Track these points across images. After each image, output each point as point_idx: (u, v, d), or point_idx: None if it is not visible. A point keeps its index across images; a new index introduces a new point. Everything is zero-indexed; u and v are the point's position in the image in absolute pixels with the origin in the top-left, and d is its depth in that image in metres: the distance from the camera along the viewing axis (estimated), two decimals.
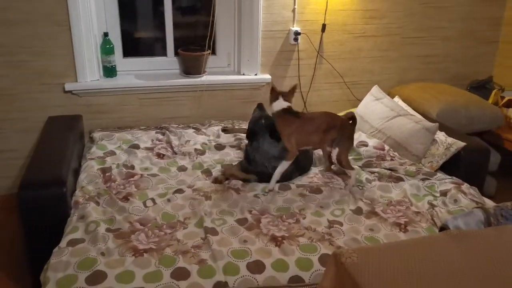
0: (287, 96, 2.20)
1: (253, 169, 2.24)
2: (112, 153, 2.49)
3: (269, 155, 2.22)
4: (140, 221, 1.89)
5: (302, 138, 2.18)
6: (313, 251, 1.73)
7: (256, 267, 1.64)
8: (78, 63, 2.73)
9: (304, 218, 1.96)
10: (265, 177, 2.22)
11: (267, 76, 3.08)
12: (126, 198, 2.06)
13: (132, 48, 3.08)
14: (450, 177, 2.28)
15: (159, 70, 3.05)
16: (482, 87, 3.32)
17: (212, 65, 3.09)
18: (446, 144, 2.44)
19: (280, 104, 2.17)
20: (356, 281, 1.04)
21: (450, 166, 2.42)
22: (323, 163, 2.42)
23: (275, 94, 2.19)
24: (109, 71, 2.87)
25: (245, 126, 2.83)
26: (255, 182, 2.23)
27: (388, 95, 2.98)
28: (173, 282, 1.56)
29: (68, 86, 2.76)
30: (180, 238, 1.79)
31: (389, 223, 1.94)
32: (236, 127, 2.82)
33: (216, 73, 3.06)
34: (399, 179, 2.29)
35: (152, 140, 2.67)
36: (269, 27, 3.01)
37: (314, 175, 2.35)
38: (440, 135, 2.51)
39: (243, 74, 3.06)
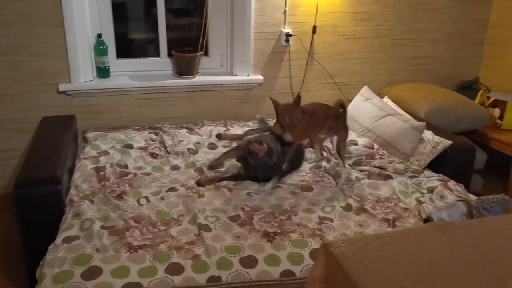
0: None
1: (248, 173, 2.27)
2: (106, 152, 2.52)
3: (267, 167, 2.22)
4: (135, 219, 1.93)
5: (303, 132, 2.19)
6: (304, 246, 1.78)
7: (249, 262, 1.68)
8: (72, 64, 2.76)
9: (295, 214, 2.01)
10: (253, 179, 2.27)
11: (259, 77, 3.13)
12: (120, 197, 2.09)
13: (126, 49, 3.11)
14: (437, 174, 2.34)
15: (152, 71, 3.09)
16: (469, 88, 3.39)
17: (205, 66, 3.13)
18: (433, 142, 2.51)
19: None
20: (344, 270, 1.09)
21: (438, 164, 2.48)
22: (315, 155, 2.47)
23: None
24: (103, 72, 2.91)
25: (237, 128, 2.88)
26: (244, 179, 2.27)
27: (378, 95, 3.04)
28: (167, 277, 1.60)
29: (62, 87, 2.79)
30: (174, 235, 1.82)
31: (378, 219, 1.99)
32: (231, 132, 2.83)
33: (209, 74, 3.10)
34: (388, 177, 2.35)
35: (146, 140, 2.70)
36: (261, 29, 3.06)
37: (306, 173, 2.40)
38: (428, 134, 2.57)
39: (236, 75, 3.11)
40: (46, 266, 1.61)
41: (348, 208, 2.08)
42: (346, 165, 2.40)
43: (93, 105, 2.91)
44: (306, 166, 2.47)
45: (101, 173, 2.29)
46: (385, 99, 3.03)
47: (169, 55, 3.09)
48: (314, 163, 2.48)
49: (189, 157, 2.53)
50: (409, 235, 1.23)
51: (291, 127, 2.07)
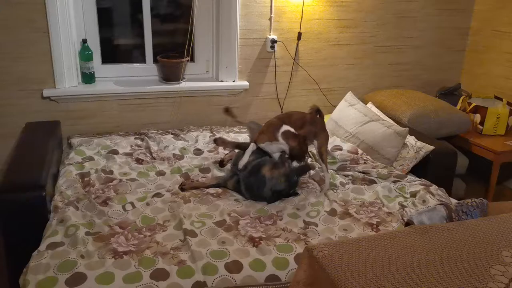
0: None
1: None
2: (91, 158, 2.51)
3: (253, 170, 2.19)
4: (120, 225, 1.92)
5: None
6: (289, 251, 1.79)
7: (234, 266, 1.69)
8: (57, 69, 2.75)
9: (281, 219, 2.03)
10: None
11: (245, 83, 3.15)
12: (105, 202, 2.08)
13: (111, 55, 3.11)
14: (419, 179, 2.38)
15: (138, 77, 3.09)
16: (450, 94, 3.46)
17: (191, 72, 3.14)
18: (416, 147, 2.55)
19: (284, 128, 2.19)
20: (327, 273, 1.10)
21: (420, 169, 2.53)
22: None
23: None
24: (88, 77, 2.90)
25: (223, 134, 2.88)
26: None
27: (362, 101, 3.09)
28: (152, 283, 1.60)
29: (47, 92, 2.77)
30: (160, 240, 1.82)
31: (362, 223, 2.02)
32: (227, 139, 2.75)
33: (195, 80, 3.11)
34: (371, 182, 2.38)
35: (131, 146, 2.70)
36: (247, 35, 3.08)
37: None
38: (410, 139, 2.62)
39: (221, 81, 3.13)
40: (29, 273, 1.60)
41: (332, 212, 2.10)
42: (329, 170, 2.42)
43: (78, 110, 2.90)
44: None
45: (86, 179, 2.28)
46: (369, 104, 3.08)
47: (155, 61, 3.09)
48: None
49: (175, 162, 2.53)
50: (391, 238, 1.26)
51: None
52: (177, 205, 2.08)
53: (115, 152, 2.60)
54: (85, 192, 2.17)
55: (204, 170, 2.46)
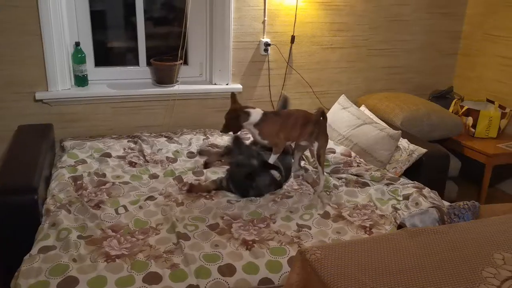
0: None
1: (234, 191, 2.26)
2: (84, 161, 2.50)
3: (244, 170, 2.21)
4: (112, 228, 1.91)
5: (285, 133, 2.24)
6: (283, 254, 1.79)
7: (228, 270, 1.69)
8: (50, 72, 2.74)
9: (274, 222, 2.03)
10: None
11: (239, 86, 3.15)
12: (97, 206, 2.07)
13: (104, 57, 3.10)
14: (412, 182, 2.39)
15: (131, 80, 3.08)
16: (443, 97, 3.49)
17: (184, 75, 3.14)
18: (408, 150, 2.56)
19: (256, 111, 2.20)
20: (320, 276, 1.11)
21: (413, 171, 2.54)
22: (293, 166, 2.50)
23: (245, 114, 2.17)
24: (81, 80, 2.89)
25: (216, 137, 2.88)
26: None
27: (355, 104, 3.10)
28: (145, 286, 1.59)
29: (39, 95, 2.76)
30: (153, 244, 1.82)
31: (355, 226, 2.02)
32: (210, 141, 2.75)
33: (188, 83, 3.11)
34: (365, 184, 2.39)
35: (124, 149, 2.69)
36: (240, 38, 3.09)
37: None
38: (403, 142, 2.63)
39: (215, 84, 3.13)
40: (21, 277, 1.59)
41: (326, 215, 2.11)
42: (325, 172, 2.43)
43: (70, 113, 2.89)
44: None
45: (78, 182, 2.27)
46: (362, 107, 3.09)
47: (148, 63, 3.09)
48: (292, 173, 2.50)
49: (168, 165, 2.53)
50: (383, 241, 1.26)
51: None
52: (170, 208, 2.07)
53: (108, 155, 2.59)
54: (78, 195, 2.16)
55: (197, 173, 2.46)
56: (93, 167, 2.45)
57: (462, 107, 3.30)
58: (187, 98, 3.09)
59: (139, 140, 2.78)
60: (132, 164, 2.52)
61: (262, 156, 2.24)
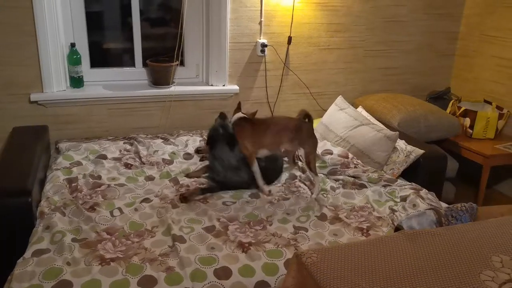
0: (247, 113, 2.33)
1: (215, 177, 2.29)
2: (79, 163, 2.48)
3: (226, 164, 2.26)
4: (107, 231, 1.89)
5: (256, 141, 2.24)
6: (279, 256, 1.78)
7: (223, 273, 1.67)
8: (45, 73, 2.72)
9: (270, 224, 2.01)
10: (225, 187, 2.27)
11: (235, 87, 3.13)
12: (92, 208, 2.05)
13: (100, 58, 3.08)
14: (409, 183, 2.38)
15: (127, 81, 3.06)
16: (440, 98, 3.48)
17: (181, 76, 3.12)
18: (406, 151, 2.55)
19: (238, 115, 2.29)
20: (316, 280, 1.09)
21: (411, 173, 2.53)
22: (289, 163, 2.49)
23: (237, 110, 2.32)
24: (76, 81, 2.87)
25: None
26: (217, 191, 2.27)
27: (352, 105, 3.09)
28: None
29: (34, 97, 2.73)
30: (148, 247, 1.80)
31: (352, 228, 2.01)
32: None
33: (185, 84, 3.09)
34: (362, 186, 2.38)
35: (120, 151, 2.67)
36: (237, 39, 3.07)
37: (282, 184, 2.41)
38: (401, 143, 2.62)
39: (212, 85, 3.11)
40: (14, 281, 1.57)
41: (323, 217, 2.09)
42: (320, 174, 2.42)
43: (66, 115, 2.87)
44: (282, 177, 2.48)
45: (73, 184, 2.25)
46: (359, 109, 3.08)
47: (145, 65, 3.07)
48: (288, 173, 2.49)
49: (164, 167, 2.51)
50: (380, 243, 1.25)
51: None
52: (165, 210, 2.06)
53: (104, 157, 2.57)
54: (73, 197, 2.14)
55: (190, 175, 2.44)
56: (88, 169, 2.43)
57: (459, 108, 3.29)
58: (183, 100, 3.07)
59: (135, 142, 2.76)
60: (128, 166, 2.50)
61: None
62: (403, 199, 2.22)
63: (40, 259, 1.68)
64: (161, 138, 2.85)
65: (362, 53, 3.40)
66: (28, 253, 1.71)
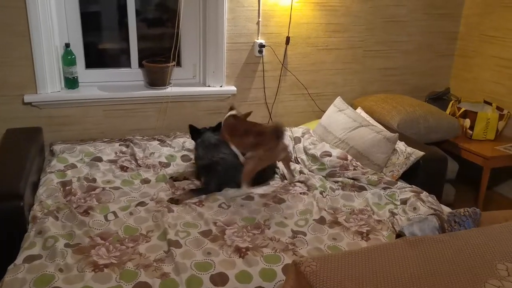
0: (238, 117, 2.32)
1: (200, 162, 2.33)
2: (73, 166, 2.44)
3: (206, 145, 2.35)
4: (101, 235, 1.85)
5: (237, 140, 2.25)
6: (277, 261, 1.74)
7: (220, 279, 1.63)
8: (39, 74, 2.67)
9: (268, 228, 1.97)
10: (210, 169, 2.28)
11: (233, 88, 3.09)
12: (86, 212, 2.01)
13: (96, 59, 3.04)
14: (410, 185, 2.35)
15: (123, 82, 3.02)
16: (440, 99, 3.44)
17: (177, 76, 3.08)
18: (406, 153, 2.51)
19: (229, 113, 2.33)
20: None
21: (410, 174, 2.49)
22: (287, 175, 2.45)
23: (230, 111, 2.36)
24: (71, 82, 2.82)
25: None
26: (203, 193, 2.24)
27: (351, 106, 3.05)
28: None
29: (28, 98, 2.69)
30: (143, 252, 1.76)
31: (351, 232, 1.97)
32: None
33: (181, 85, 3.05)
34: (361, 188, 2.34)
35: (116, 153, 2.63)
36: (234, 39, 3.03)
37: (275, 183, 2.38)
38: (400, 145, 2.58)
39: (209, 86, 3.07)
40: None
41: (321, 221, 2.05)
42: (319, 176, 2.38)
43: (60, 116, 2.82)
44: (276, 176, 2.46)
45: (67, 187, 2.21)
46: (359, 110, 3.04)
47: (141, 65, 3.02)
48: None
49: (160, 170, 2.47)
50: (381, 251, 1.21)
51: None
52: (161, 214, 2.01)
53: (99, 159, 2.53)
54: (66, 201, 2.09)
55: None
56: (83, 171, 2.39)
57: (459, 108, 3.25)
58: (180, 101, 3.03)
59: (131, 144, 2.71)
60: (123, 168, 2.46)
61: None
62: (403, 202, 2.18)
63: (31, 265, 1.63)
64: (158, 140, 2.81)
65: (361, 53, 3.36)
66: (19, 259, 1.67)
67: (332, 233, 1.96)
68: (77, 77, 2.84)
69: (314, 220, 2.05)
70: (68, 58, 2.77)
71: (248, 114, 2.36)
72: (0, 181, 2.00)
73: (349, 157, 2.59)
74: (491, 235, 1.26)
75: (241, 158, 2.27)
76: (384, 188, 2.33)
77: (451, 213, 1.57)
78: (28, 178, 2.09)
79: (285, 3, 3.03)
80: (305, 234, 1.94)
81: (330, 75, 3.35)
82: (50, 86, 2.73)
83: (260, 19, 3.03)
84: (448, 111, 3.30)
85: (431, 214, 1.62)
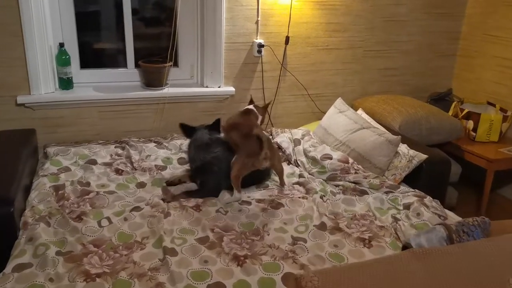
0: (258, 108, 2.37)
1: (193, 165, 2.27)
2: (67, 169, 2.37)
3: (198, 144, 2.26)
4: (94, 243, 1.78)
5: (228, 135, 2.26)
6: (276, 270, 1.67)
7: None
8: (32, 74, 2.61)
9: (268, 234, 1.91)
10: (205, 171, 2.21)
11: (231, 89, 3.03)
12: (79, 218, 1.95)
13: (91, 59, 2.97)
14: (413, 190, 2.28)
15: (118, 82, 2.95)
16: (442, 99, 3.38)
17: (175, 77, 3.02)
18: (408, 156, 2.45)
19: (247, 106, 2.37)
20: None
21: (412, 177, 2.43)
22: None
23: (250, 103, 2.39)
24: (66, 83, 2.76)
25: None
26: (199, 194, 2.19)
27: (352, 107, 2.99)
28: None
29: (21, 99, 2.62)
30: (137, 260, 1.69)
31: (353, 238, 1.91)
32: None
33: (179, 85, 2.99)
34: (363, 192, 2.28)
35: (111, 155, 2.56)
36: (233, 39, 2.97)
37: (273, 188, 2.32)
38: (403, 148, 2.52)
39: (207, 87, 3.00)
40: None
41: (322, 227, 1.99)
42: (320, 179, 2.32)
43: (54, 118, 2.76)
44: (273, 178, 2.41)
45: (60, 192, 2.14)
46: (360, 111, 2.98)
47: (137, 65, 2.96)
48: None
49: (156, 173, 2.40)
50: (387, 264, 1.15)
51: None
52: (157, 220, 1.95)
53: (94, 162, 2.46)
54: (59, 206, 2.03)
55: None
56: (77, 175, 2.33)
57: (462, 110, 3.19)
58: (177, 102, 2.96)
59: (126, 146, 2.65)
60: (118, 171, 2.39)
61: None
62: (406, 207, 2.12)
63: (21, 274, 1.57)
64: (154, 142, 2.75)
65: (361, 53, 3.30)
66: (8, 268, 1.60)
67: (333, 240, 1.89)
68: (71, 77, 2.78)
69: (314, 226, 1.99)
70: (62, 58, 2.71)
71: (267, 105, 2.42)
72: None
73: (350, 160, 2.53)
74: (502, 246, 1.20)
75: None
76: (387, 193, 2.26)
77: (459, 222, 1.50)
78: (20, 182, 2.03)
79: (284, 2, 2.97)
80: (305, 241, 1.87)
81: (330, 76, 3.29)
82: (44, 87, 2.67)
83: (259, 19, 2.97)
84: (450, 112, 3.24)
85: (438, 224, 1.56)
